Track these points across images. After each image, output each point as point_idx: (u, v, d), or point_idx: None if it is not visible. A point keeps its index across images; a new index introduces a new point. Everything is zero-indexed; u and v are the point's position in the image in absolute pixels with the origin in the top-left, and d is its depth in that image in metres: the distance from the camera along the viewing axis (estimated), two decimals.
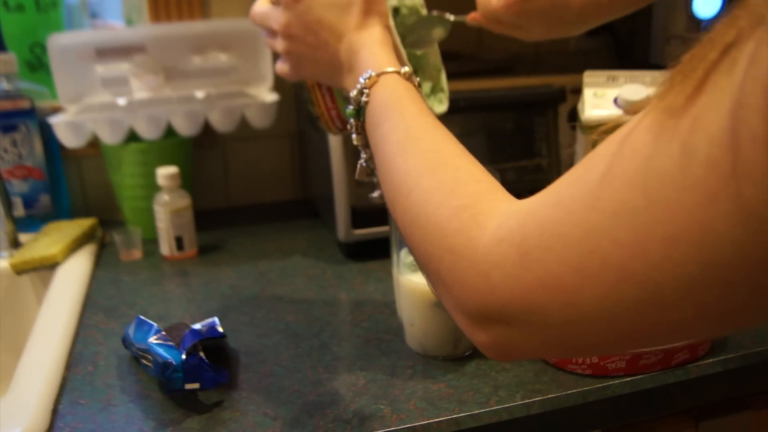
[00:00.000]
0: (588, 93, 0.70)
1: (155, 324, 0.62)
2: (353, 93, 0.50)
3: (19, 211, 0.97)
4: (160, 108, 0.94)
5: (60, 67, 0.95)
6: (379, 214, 0.84)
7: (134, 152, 0.95)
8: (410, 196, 0.41)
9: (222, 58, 1.02)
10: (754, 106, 0.24)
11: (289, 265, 0.88)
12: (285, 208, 1.13)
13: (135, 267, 0.90)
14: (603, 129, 0.35)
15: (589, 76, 0.72)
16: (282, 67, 0.59)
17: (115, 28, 1.09)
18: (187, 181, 0.97)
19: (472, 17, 0.69)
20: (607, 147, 0.30)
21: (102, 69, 0.98)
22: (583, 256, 0.30)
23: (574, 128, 0.89)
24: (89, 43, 0.97)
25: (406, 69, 0.49)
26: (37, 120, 0.96)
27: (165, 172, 0.89)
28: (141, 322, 0.63)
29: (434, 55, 0.66)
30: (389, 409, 0.56)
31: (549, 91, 0.91)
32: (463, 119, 0.90)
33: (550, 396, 0.57)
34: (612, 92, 0.69)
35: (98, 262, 0.91)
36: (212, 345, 0.64)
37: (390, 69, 0.49)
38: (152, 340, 0.60)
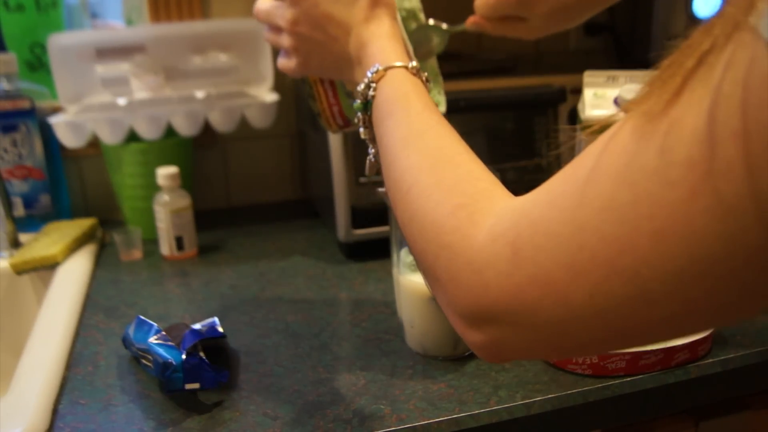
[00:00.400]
0: (588, 93, 0.70)
1: (155, 324, 0.62)
2: (361, 87, 0.50)
3: (19, 211, 0.97)
4: (160, 108, 0.94)
5: (60, 67, 0.95)
6: (379, 214, 0.84)
7: (134, 152, 0.95)
8: (410, 191, 0.42)
9: (222, 58, 1.02)
10: (733, 105, 0.25)
11: (289, 265, 0.88)
12: (285, 208, 1.13)
13: (135, 267, 0.90)
14: (592, 129, 0.35)
15: (589, 76, 0.72)
16: (286, 63, 0.58)
17: (115, 28, 1.09)
18: (187, 181, 0.97)
19: (471, 21, 0.69)
20: (594, 147, 0.31)
21: (102, 69, 0.98)
22: (573, 252, 0.30)
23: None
24: (89, 43, 0.97)
25: (414, 64, 0.49)
26: (37, 120, 0.96)
27: (165, 172, 0.89)
28: (141, 322, 0.63)
29: (432, 62, 0.66)
30: (389, 409, 0.56)
31: (549, 91, 0.91)
32: (463, 119, 0.90)
33: (550, 396, 0.57)
34: (612, 92, 0.69)
35: (98, 262, 0.91)
36: (212, 345, 0.64)
37: (398, 63, 0.49)
38: (152, 340, 0.60)
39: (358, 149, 0.84)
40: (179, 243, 0.91)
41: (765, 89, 0.24)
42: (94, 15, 1.09)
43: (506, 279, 0.33)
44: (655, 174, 0.27)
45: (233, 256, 0.93)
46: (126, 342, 0.66)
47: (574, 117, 0.89)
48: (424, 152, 0.43)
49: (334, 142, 0.84)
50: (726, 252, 0.26)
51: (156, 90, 0.98)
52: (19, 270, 0.87)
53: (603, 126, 0.32)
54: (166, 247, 0.91)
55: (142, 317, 0.64)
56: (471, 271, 0.35)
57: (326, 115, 0.64)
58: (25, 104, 0.94)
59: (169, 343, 0.59)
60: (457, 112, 0.88)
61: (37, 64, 1.04)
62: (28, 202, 0.98)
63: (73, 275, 0.84)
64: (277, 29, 0.57)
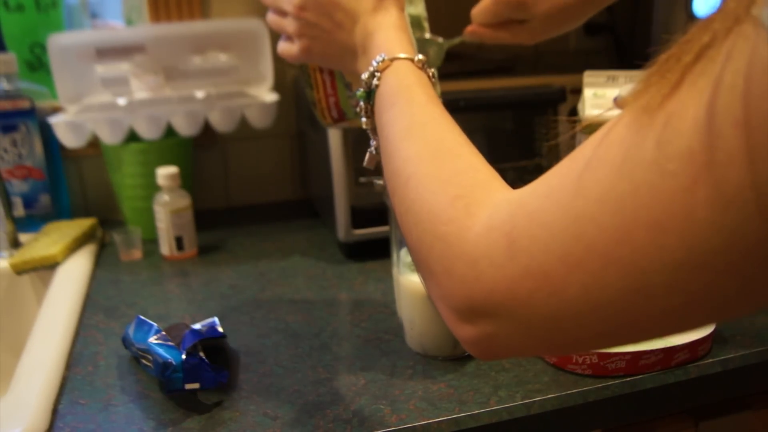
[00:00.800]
0: (588, 93, 0.70)
1: (155, 324, 0.62)
2: (365, 75, 0.49)
3: (19, 211, 0.97)
4: (160, 108, 0.94)
5: (60, 67, 0.95)
6: (379, 214, 0.84)
7: (134, 152, 0.95)
8: (408, 182, 0.42)
9: (222, 58, 1.02)
10: (735, 96, 0.24)
11: (289, 265, 0.88)
12: (285, 208, 1.13)
13: (135, 267, 0.90)
14: (584, 124, 0.35)
15: (589, 76, 0.72)
16: (288, 48, 0.57)
17: (115, 28, 1.09)
18: (187, 181, 0.97)
19: (469, 31, 0.68)
20: (592, 139, 0.31)
21: (102, 69, 0.98)
22: (568, 243, 0.30)
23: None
24: (89, 43, 0.97)
25: (420, 57, 0.49)
26: (37, 120, 0.96)
27: (165, 172, 0.89)
28: (141, 322, 0.63)
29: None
30: (389, 409, 0.56)
31: (549, 91, 0.91)
32: (463, 119, 0.89)
33: (550, 396, 0.57)
34: (612, 92, 0.69)
35: (98, 262, 0.91)
36: (212, 345, 0.64)
37: (403, 55, 0.49)
38: (152, 340, 0.60)
39: (358, 149, 0.84)
40: (179, 243, 0.91)
41: (766, 79, 0.24)
42: (94, 15, 1.09)
43: (500, 271, 0.33)
44: (654, 165, 0.27)
45: (233, 256, 0.93)
46: (126, 342, 0.66)
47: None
48: (425, 143, 0.43)
49: (334, 142, 0.84)
50: (725, 244, 0.26)
51: (156, 90, 0.98)
52: (19, 270, 0.87)
53: (599, 123, 0.32)
54: (166, 247, 0.91)
55: (142, 317, 0.64)
56: (465, 262, 0.34)
57: (322, 105, 0.63)
58: (25, 104, 0.94)
59: (169, 343, 0.59)
60: (457, 112, 0.88)
61: (37, 64, 1.04)
62: (28, 202, 0.98)
63: (73, 275, 0.84)
64: (282, 13, 0.56)
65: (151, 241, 0.95)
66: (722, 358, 0.62)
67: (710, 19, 0.27)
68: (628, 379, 0.59)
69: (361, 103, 0.51)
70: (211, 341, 0.62)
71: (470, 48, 1.16)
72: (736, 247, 0.26)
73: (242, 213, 1.11)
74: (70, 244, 0.90)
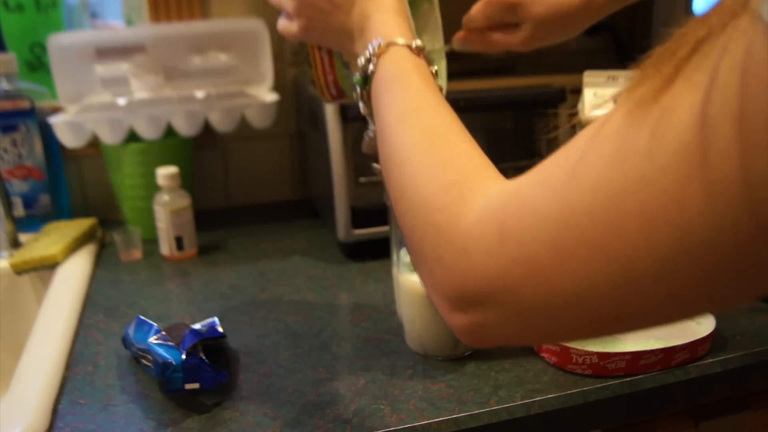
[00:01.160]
0: (588, 93, 0.70)
1: (155, 324, 0.62)
2: (361, 60, 0.49)
3: (19, 211, 0.97)
4: (160, 108, 0.94)
5: (60, 67, 0.95)
6: (379, 214, 0.84)
7: (134, 152, 0.95)
8: (402, 167, 0.41)
9: (222, 58, 1.02)
10: (730, 91, 0.24)
11: (289, 265, 0.88)
12: (285, 208, 1.13)
13: (135, 267, 0.90)
14: (577, 120, 0.36)
15: (589, 76, 0.72)
16: (287, 26, 0.58)
17: (115, 28, 1.09)
18: (187, 181, 0.97)
19: (458, 38, 0.67)
20: (587, 131, 0.31)
21: (102, 69, 0.98)
22: (559, 232, 0.30)
23: (573, 128, 0.89)
24: (89, 43, 0.97)
25: (418, 43, 0.49)
26: (37, 120, 0.96)
27: (165, 172, 0.89)
28: (141, 322, 0.63)
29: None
30: (389, 409, 0.56)
31: (549, 91, 0.91)
32: (463, 119, 0.89)
33: (550, 396, 0.57)
34: (612, 92, 0.69)
35: (98, 262, 0.91)
36: (212, 345, 0.64)
37: (401, 41, 0.48)
38: (152, 340, 0.60)
39: (358, 149, 0.84)
40: (179, 243, 0.91)
41: (763, 74, 0.23)
42: (94, 15, 1.09)
43: (491, 259, 0.33)
44: (647, 158, 0.27)
45: (233, 256, 0.93)
46: (126, 342, 0.66)
47: (574, 117, 0.89)
48: (420, 129, 0.43)
49: (334, 142, 0.84)
50: (716, 239, 0.26)
51: (156, 90, 0.98)
52: (19, 270, 0.87)
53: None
54: (166, 247, 0.91)
55: (142, 317, 0.64)
56: (456, 250, 0.35)
57: (320, 83, 0.63)
58: (25, 104, 0.94)
59: (169, 343, 0.59)
60: (457, 112, 0.88)
61: (37, 64, 1.04)
62: (28, 202, 0.98)
63: (73, 275, 0.84)
64: None
65: (151, 241, 0.95)
66: (722, 358, 0.62)
67: (707, 13, 0.27)
68: (628, 379, 0.59)
69: (358, 89, 0.50)
70: (211, 341, 0.62)
71: None
72: (727, 241, 0.26)
73: (242, 213, 1.11)
74: (70, 244, 0.90)
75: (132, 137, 0.93)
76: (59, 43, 0.95)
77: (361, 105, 0.51)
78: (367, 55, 0.49)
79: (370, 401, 0.57)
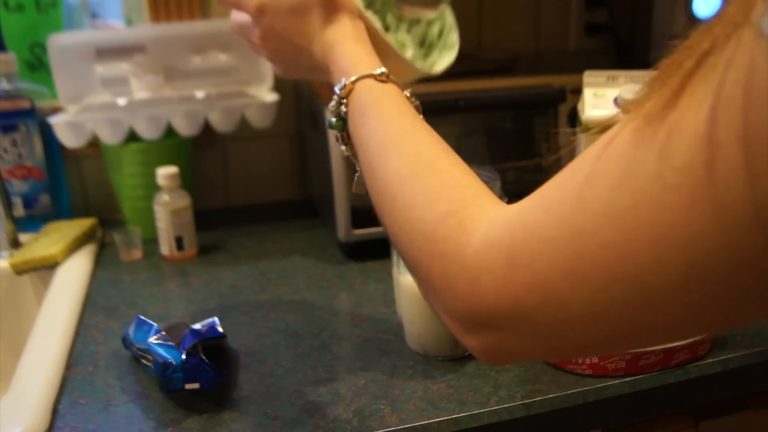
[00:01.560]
0: (588, 93, 0.70)
1: (155, 324, 0.62)
2: (331, 105, 0.49)
3: (19, 211, 0.97)
4: (160, 108, 0.94)
5: (60, 67, 0.95)
6: None
7: (134, 152, 0.95)
8: (395, 202, 0.41)
9: (222, 58, 1.02)
10: (734, 108, 0.24)
11: (289, 265, 0.88)
12: (285, 208, 1.13)
13: (135, 267, 0.90)
14: (593, 131, 0.35)
15: (589, 76, 0.72)
16: (275, 70, 0.60)
17: (115, 28, 1.09)
18: (187, 181, 0.97)
19: None
20: (592, 150, 0.31)
21: (102, 69, 0.98)
22: (572, 258, 0.30)
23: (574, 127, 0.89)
24: (89, 43, 0.97)
25: (382, 70, 0.48)
26: (37, 120, 0.96)
27: (165, 172, 0.89)
28: (141, 322, 0.63)
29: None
30: (389, 409, 0.56)
31: (549, 91, 0.91)
32: (463, 119, 0.90)
33: (550, 396, 0.57)
34: (612, 92, 0.69)
35: (98, 262, 0.91)
36: (212, 345, 0.64)
37: (364, 73, 0.48)
38: (152, 340, 0.60)
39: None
40: (179, 243, 0.91)
41: (765, 91, 0.23)
42: (94, 15, 1.09)
43: (503, 286, 0.32)
44: (655, 179, 0.27)
45: (233, 256, 0.93)
46: (126, 342, 0.66)
47: (574, 117, 0.89)
48: (403, 159, 0.42)
49: (334, 142, 0.83)
50: (727, 257, 0.26)
51: (156, 90, 0.98)
52: (19, 270, 0.87)
53: (604, 127, 0.32)
54: (166, 247, 0.91)
55: (142, 317, 0.64)
56: (467, 279, 0.34)
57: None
58: (25, 104, 0.94)
59: (169, 343, 0.59)
60: (457, 112, 0.88)
61: (37, 64, 1.04)
62: (28, 202, 0.98)
63: (73, 275, 0.84)
64: (253, 43, 0.58)
65: (151, 241, 0.95)
66: (722, 358, 0.62)
67: (711, 24, 0.26)
68: (628, 379, 0.59)
69: (336, 133, 0.50)
70: (211, 341, 0.62)
71: (470, 48, 1.16)
72: (738, 260, 0.25)
73: (242, 213, 1.11)
74: (70, 244, 0.90)
75: (132, 137, 0.93)
76: (59, 43, 0.95)
77: (342, 148, 0.51)
78: (336, 98, 0.48)
79: (370, 401, 0.57)
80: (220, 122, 0.96)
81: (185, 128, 0.94)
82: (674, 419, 0.66)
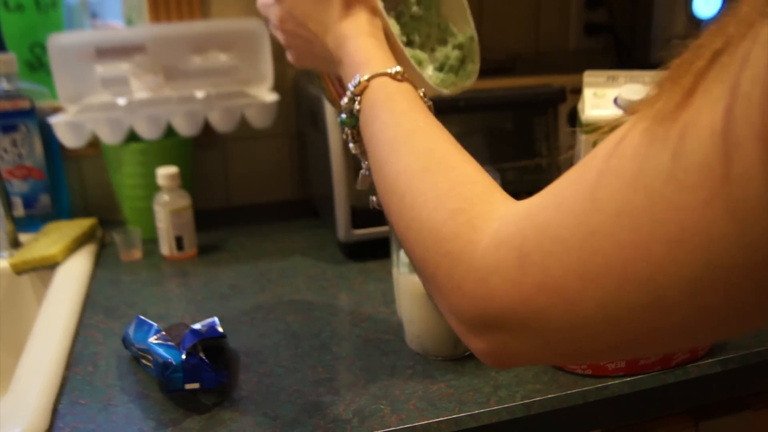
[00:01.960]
0: (588, 93, 0.70)
1: (155, 324, 0.62)
2: (344, 101, 0.49)
3: (19, 211, 0.97)
4: (160, 108, 0.94)
5: (60, 67, 0.95)
6: (379, 214, 0.83)
7: (134, 152, 0.95)
8: (404, 198, 0.41)
9: (222, 58, 1.02)
10: (752, 105, 0.24)
11: (289, 265, 0.88)
12: (285, 208, 1.13)
13: (135, 267, 0.90)
14: (602, 131, 0.34)
15: (589, 76, 0.72)
16: (287, 55, 0.60)
17: (115, 28, 1.09)
18: (187, 181, 0.97)
19: None
20: (602, 149, 0.30)
21: (102, 69, 0.98)
22: (584, 259, 0.29)
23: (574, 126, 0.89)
24: (89, 43, 0.97)
25: (398, 69, 0.48)
26: (37, 120, 0.96)
27: (165, 172, 0.89)
28: (141, 322, 0.63)
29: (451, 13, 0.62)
30: (389, 409, 0.56)
31: (549, 91, 0.91)
32: (463, 119, 0.90)
33: (550, 396, 0.57)
34: (612, 92, 0.69)
35: (98, 262, 0.91)
36: (212, 345, 0.64)
37: (380, 71, 0.48)
38: (152, 340, 0.60)
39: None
40: (179, 243, 0.91)
41: None
42: (94, 15, 1.09)
43: (513, 286, 0.32)
44: (670, 178, 0.26)
45: (233, 256, 0.93)
46: (126, 342, 0.66)
47: (574, 117, 0.89)
48: (414, 155, 0.42)
49: (334, 142, 0.83)
50: (744, 259, 0.25)
51: (156, 90, 0.98)
52: (19, 270, 0.87)
53: (612, 127, 0.31)
54: (166, 247, 0.91)
55: (142, 317, 0.64)
56: (475, 278, 0.34)
57: (338, 105, 0.64)
58: (25, 104, 0.94)
59: (169, 343, 0.59)
60: (457, 112, 0.88)
61: (37, 64, 1.04)
62: (28, 202, 0.98)
63: (73, 275, 0.84)
64: (274, 25, 0.58)
65: (151, 241, 0.95)
66: (722, 358, 0.62)
67: (724, 22, 0.26)
68: (628, 379, 0.59)
69: (347, 130, 0.50)
70: (211, 341, 0.62)
71: None
72: (755, 261, 0.25)
73: (242, 213, 1.11)
74: (70, 244, 0.90)
75: (132, 137, 0.93)
76: (59, 43, 0.95)
77: (351, 145, 0.51)
78: (350, 94, 0.48)
79: (370, 401, 0.57)
80: (220, 122, 0.96)
81: (185, 128, 0.94)
82: (674, 419, 0.66)
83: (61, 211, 1.02)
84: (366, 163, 0.52)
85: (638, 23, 1.15)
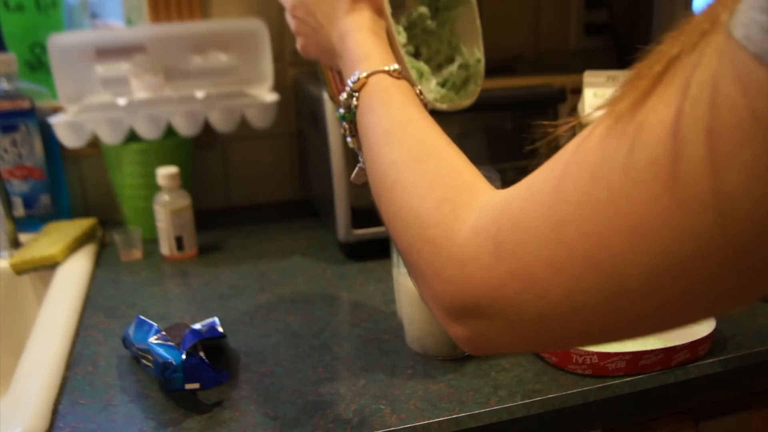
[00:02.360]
0: (588, 93, 0.70)
1: (155, 324, 0.62)
2: (343, 96, 0.50)
3: (19, 211, 0.97)
4: (160, 108, 0.94)
5: (60, 67, 0.95)
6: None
7: (134, 152, 0.95)
8: (395, 187, 0.42)
9: (222, 58, 1.02)
10: (701, 107, 0.25)
11: (289, 265, 0.88)
12: (285, 208, 1.13)
13: (135, 267, 0.90)
14: (569, 125, 0.36)
15: (589, 76, 0.72)
16: (297, 43, 0.61)
17: (115, 28, 1.09)
18: (187, 181, 0.97)
19: None
20: (572, 144, 0.32)
21: (102, 69, 0.98)
22: (552, 247, 0.31)
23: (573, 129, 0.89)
24: (89, 43, 0.97)
25: (395, 66, 0.49)
26: (37, 120, 0.96)
27: (165, 172, 0.89)
28: (141, 322, 0.63)
29: (463, 29, 0.62)
30: (389, 409, 0.56)
31: (549, 91, 0.91)
32: (463, 119, 0.90)
33: (550, 396, 0.57)
34: (612, 92, 0.69)
35: (98, 262, 0.91)
36: (212, 345, 0.64)
37: (378, 69, 0.49)
38: (152, 340, 0.60)
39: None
40: (179, 243, 0.91)
41: (732, 90, 0.24)
42: (94, 15, 1.09)
43: (488, 273, 0.33)
44: (627, 172, 0.28)
45: (233, 256, 0.93)
46: (126, 342, 0.66)
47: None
48: (406, 147, 0.43)
49: (334, 142, 0.84)
50: (696, 250, 0.26)
51: (156, 90, 0.98)
52: (19, 270, 0.87)
53: (579, 123, 0.33)
54: (166, 247, 0.91)
55: (142, 317, 0.64)
56: (454, 265, 0.35)
57: (337, 99, 0.64)
58: (25, 104, 0.94)
59: (169, 343, 0.59)
60: (457, 112, 0.88)
61: (37, 64, 1.04)
62: (28, 202, 0.98)
63: (73, 275, 0.84)
64: (285, 9, 0.60)
65: (151, 241, 0.95)
66: (722, 358, 0.62)
67: (680, 30, 0.28)
68: (628, 379, 0.59)
69: (344, 124, 0.51)
70: (211, 341, 0.62)
71: None
72: (707, 252, 0.26)
73: (242, 213, 1.11)
74: (70, 244, 0.90)
75: (132, 137, 0.93)
76: (59, 43, 0.95)
77: (349, 140, 0.52)
78: (348, 90, 0.49)
79: (370, 401, 0.57)
80: (220, 122, 0.96)
81: (185, 128, 0.94)
82: (674, 419, 0.66)
83: (61, 211, 1.02)
84: (363, 157, 0.52)
85: (638, 23, 1.15)
